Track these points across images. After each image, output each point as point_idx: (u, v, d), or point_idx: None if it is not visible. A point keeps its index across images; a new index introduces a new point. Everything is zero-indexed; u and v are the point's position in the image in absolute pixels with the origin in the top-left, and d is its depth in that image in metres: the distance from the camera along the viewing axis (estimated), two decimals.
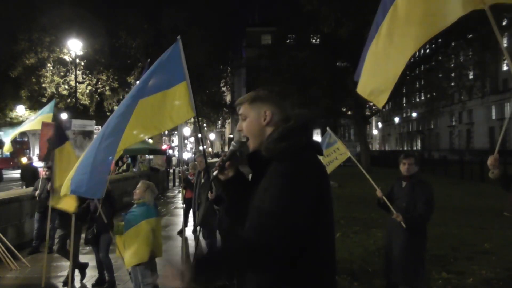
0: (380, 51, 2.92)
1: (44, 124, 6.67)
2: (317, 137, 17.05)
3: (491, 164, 2.99)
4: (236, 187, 1.74)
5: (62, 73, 22.42)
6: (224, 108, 31.03)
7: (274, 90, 1.70)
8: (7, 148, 9.58)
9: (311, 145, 1.60)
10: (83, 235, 5.81)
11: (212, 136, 60.02)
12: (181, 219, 8.72)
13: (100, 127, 18.39)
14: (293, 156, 1.49)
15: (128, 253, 4.02)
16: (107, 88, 22.92)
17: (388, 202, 3.84)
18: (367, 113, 28.48)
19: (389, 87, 2.97)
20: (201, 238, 7.63)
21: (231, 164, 1.71)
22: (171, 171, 21.97)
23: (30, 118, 10.48)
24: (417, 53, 25.76)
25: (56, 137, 5.38)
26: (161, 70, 4.06)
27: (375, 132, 72.12)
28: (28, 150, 29.31)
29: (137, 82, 4.93)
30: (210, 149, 57.24)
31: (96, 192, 3.85)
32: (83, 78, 22.29)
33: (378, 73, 3.03)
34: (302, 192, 1.43)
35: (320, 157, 1.65)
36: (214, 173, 1.71)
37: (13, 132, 9.42)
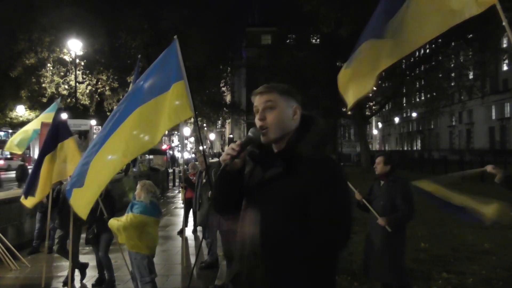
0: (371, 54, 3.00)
1: (44, 124, 6.67)
2: None
3: (492, 169, 3.04)
4: (236, 182, 1.64)
5: (62, 73, 22.43)
6: (224, 108, 31.04)
7: (297, 90, 1.70)
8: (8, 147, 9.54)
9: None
10: (83, 235, 5.81)
11: (212, 136, 60.02)
12: (181, 219, 8.72)
13: (100, 127, 18.40)
14: (330, 159, 1.58)
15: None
16: (107, 88, 22.94)
17: (368, 204, 3.87)
18: (367, 113, 28.47)
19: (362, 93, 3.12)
20: (201, 238, 7.63)
21: (244, 154, 1.61)
22: (171, 170, 22.00)
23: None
24: (417, 53, 25.75)
25: (52, 135, 5.24)
26: (158, 71, 4.06)
27: (375, 132, 72.06)
28: (28, 150, 29.30)
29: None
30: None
31: (75, 182, 3.91)
32: (83, 78, 22.31)
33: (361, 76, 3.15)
34: (348, 190, 1.63)
35: None
36: (226, 162, 1.56)
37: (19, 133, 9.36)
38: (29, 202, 5.46)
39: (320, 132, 1.61)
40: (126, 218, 4.07)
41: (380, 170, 3.86)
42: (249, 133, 1.61)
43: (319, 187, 1.48)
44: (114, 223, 4.10)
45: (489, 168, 3.29)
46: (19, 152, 9.36)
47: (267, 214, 1.51)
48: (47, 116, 7.53)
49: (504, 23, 2.27)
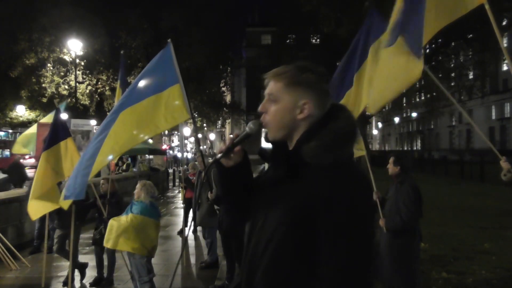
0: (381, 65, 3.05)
1: (40, 125, 6.68)
2: None
3: (506, 169, 2.99)
4: (237, 177, 1.43)
5: (62, 73, 22.41)
6: (224, 108, 31.02)
7: (322, 74, 1.34)
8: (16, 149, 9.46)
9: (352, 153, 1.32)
10: (82, 235, 5.82)
11: (212, 136, 60.02)
12: (181, 219, 8.72)
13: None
14: (347, 168, 1.23)
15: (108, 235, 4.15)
16: (107, 88, 22.92)
17: (382, 204, 3.87)
18: (367, 113, 28.45)
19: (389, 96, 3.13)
20: (201, 238, 7.64)
21: (241, 149, 1.39)
22: (171, 171, 22.00)
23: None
24: None
25: (50, 135, 5.18)
26: (152, 74, 4.08)
27: (375, 132, 72.02)
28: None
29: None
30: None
31: (79, 193, 3.89)
32: (83, 78, 22.29)
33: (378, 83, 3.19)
34: (365, 212, 1.20)
35: None
36: (218, 156, 1.40)
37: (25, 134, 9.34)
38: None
39: (337, 130, 1.25)
40: (126, 219, 4.06)
41: (390, 171, 3.83)
42: (247, 128, 1.40)
43: (316, 205, 1.16)
44: (114, 224, 4.09)
45: (504, 163, 3.21)
46: (27, 152, 9.33)
47: (258, 222, 1.32)
48: (50, 117, 7.56)
49: (493, 25, 2.27)
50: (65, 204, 4.32)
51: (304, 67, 1.34)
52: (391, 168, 3.81)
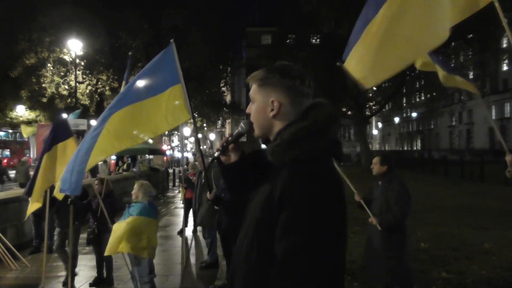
0: (381, 32, 2.93)
1: (40, 125, 6.66)
2: None
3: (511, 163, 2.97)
4: (237, 175, 1.48)
5: (62, 73, 22.44)
6: (224, 108, 31.04)
7: (289, 73, 1.34)
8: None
9: (330, 150, 1.29)
10: (82, 235, 5.81)
11: (212, 136, 60.02)
12: (181, 219, 8.72)
13: None
14: (307, 165, 1.19)
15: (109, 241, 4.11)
16: (107, 88, 22.94)
17: (365, 204, 3.86)
18: (367, 113, 28.49)
19: (387, 73, 3.00)
20: (201, 238, 7.63)
21: (235, 147, 1.45)
22: (171, 171, 22.00)
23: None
24: None
25: (50, 136, 5.08)
26: (153, 73, 4.06)
27: (375, 132, 71.99)
28: (28, 150, 29.41)
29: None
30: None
31: (74, 189, 3.88)
32: (83, 78, 22.31)
33: (373, 54, 3.05)
34: (329, 214, 1.15)
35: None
36: (216, 154, 1.48)
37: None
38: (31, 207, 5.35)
39: (298, 128, 1.25)
40: (126, 222, 4.02)
41: (376, 170, 3.87)
42: (239, 127, 1.44)
43: (273, 203, 1.18)
44: (116, 229, 4.05)
45: (508, 156, 3.17)
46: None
47: (243, 225, 1.37)
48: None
49: (503, 22, 2.26)
50: (61, 196, 4.30)
51: (272, 69, 1.38)
52: (377, 167, 3.86)
